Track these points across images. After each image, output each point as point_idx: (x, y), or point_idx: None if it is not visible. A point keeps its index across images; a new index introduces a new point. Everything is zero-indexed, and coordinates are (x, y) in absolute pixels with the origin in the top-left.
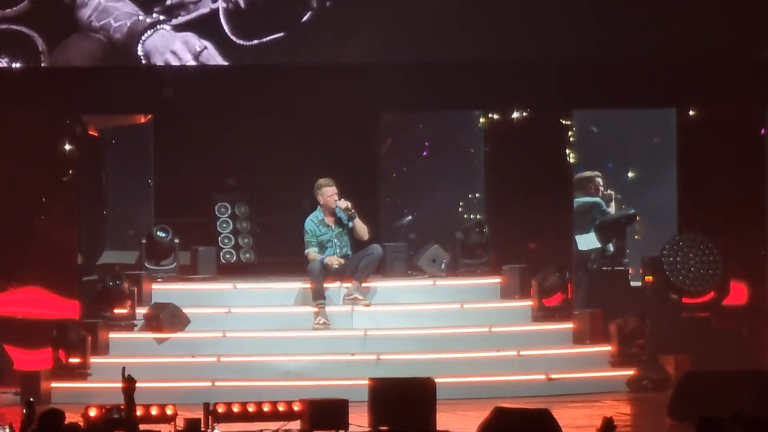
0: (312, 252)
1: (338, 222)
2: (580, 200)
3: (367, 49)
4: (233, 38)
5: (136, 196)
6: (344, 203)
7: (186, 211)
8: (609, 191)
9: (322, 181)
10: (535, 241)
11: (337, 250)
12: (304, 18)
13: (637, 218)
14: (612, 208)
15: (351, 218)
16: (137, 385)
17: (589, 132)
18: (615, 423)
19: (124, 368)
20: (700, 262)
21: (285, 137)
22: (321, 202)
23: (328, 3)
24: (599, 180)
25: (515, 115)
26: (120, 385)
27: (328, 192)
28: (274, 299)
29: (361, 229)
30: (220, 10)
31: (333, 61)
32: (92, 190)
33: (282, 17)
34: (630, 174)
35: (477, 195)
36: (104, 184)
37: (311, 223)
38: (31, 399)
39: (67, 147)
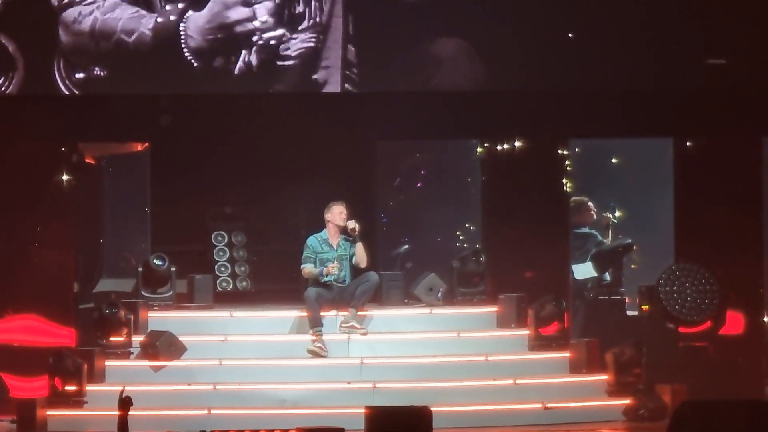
0: (308, 267)
1: (341, 246)
2: (574, 231)
3: (365, 79)
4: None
5: (133, 224)
6: (352, 223)
7: (183, 239)
8: (606, 214)
9: (333, 202)
10: (531, 270)
11: (336, 272)
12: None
13: (634, 248)
14: (609, 233)
15: (354, 240)
16: (135, 412)
17: (585, 161)
18: None
19: (123, 389)
20: (696, 291)
21: (282, 166)
22: (328, 219)
23: (348, 54)
24: (591, 204)
25: (512, 144)
26: (116, 412)
27: (337, 210)
28: (271, 327)
29: (361, 254)
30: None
31: (328, 90)
32: (89, 218)
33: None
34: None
35: (472, 228)
36: (101, 212)
37: (314, 239)
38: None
39: (64, 175)
